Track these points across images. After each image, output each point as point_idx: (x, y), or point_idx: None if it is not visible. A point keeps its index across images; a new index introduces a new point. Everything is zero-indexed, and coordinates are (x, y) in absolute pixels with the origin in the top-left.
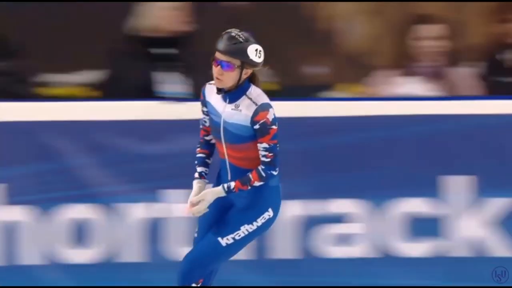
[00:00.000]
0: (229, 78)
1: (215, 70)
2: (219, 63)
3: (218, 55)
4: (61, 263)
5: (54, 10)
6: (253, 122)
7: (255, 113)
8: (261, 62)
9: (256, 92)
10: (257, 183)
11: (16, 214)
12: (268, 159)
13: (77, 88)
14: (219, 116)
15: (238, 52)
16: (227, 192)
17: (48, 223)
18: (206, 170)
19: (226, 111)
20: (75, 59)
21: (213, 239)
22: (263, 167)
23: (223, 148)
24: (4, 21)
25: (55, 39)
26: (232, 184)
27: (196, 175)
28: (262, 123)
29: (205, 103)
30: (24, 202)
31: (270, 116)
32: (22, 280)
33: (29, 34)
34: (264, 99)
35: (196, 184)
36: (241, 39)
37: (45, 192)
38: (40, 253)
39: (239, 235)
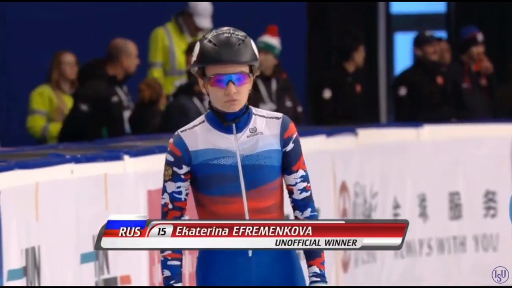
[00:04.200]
0: (245, 94)
1: (225, 90)
2: (228, 79)
3: (222, 69)
4: None
5: None
6: (285, 140)
7: (284, 126)
8: None
9: (255, 107)
10: None
11: None
12: (309, 192)
13: None
14: (233, 155)
15: (250, 54)
16: (327, 281)
17: None
18: None
19: (242, 143)
20: None
21: None
22: (310, 208)
23: (242, 205)
24: None
25: None
26: (316, 268)
27: None
28: (296, 138)
29: (187, 159)
30: None
31: None
32: None
33: None
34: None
35: None
36: (240, 37)
37: None
38: None
39: None
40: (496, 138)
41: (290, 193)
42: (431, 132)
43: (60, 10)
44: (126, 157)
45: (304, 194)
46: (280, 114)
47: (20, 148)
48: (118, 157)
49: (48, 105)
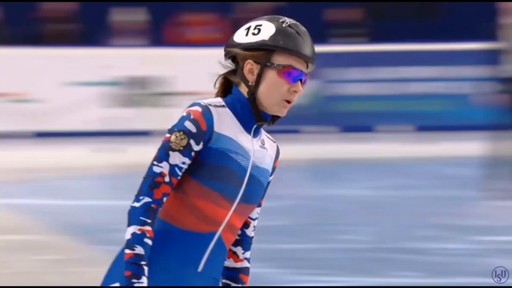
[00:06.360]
0: None
1: (292, 87)
2: (300, 76)
3: (298, 63)
4: None
5: None
6: (273, 168)
7: (278, 153)
8: None
9: None
10: None
11: None
12: (254, 232)
13: None
14: (248, 157)
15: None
16: None
17: None
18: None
19: (256, 151)
20: None
21: None
22: (250, 251)
23: (226, 214)
24: None
25: None
26: None
27: (144, 281)
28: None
29: (207, 138)
30: None
31: None
32: None
33: None
34: None
35: None
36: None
37: None
38: None
39: None
40: None
41: (244, 225)
42: None
43: None
44: None
45: (253, 233)
46: (273, 138)
47: None
48: None
49: None
